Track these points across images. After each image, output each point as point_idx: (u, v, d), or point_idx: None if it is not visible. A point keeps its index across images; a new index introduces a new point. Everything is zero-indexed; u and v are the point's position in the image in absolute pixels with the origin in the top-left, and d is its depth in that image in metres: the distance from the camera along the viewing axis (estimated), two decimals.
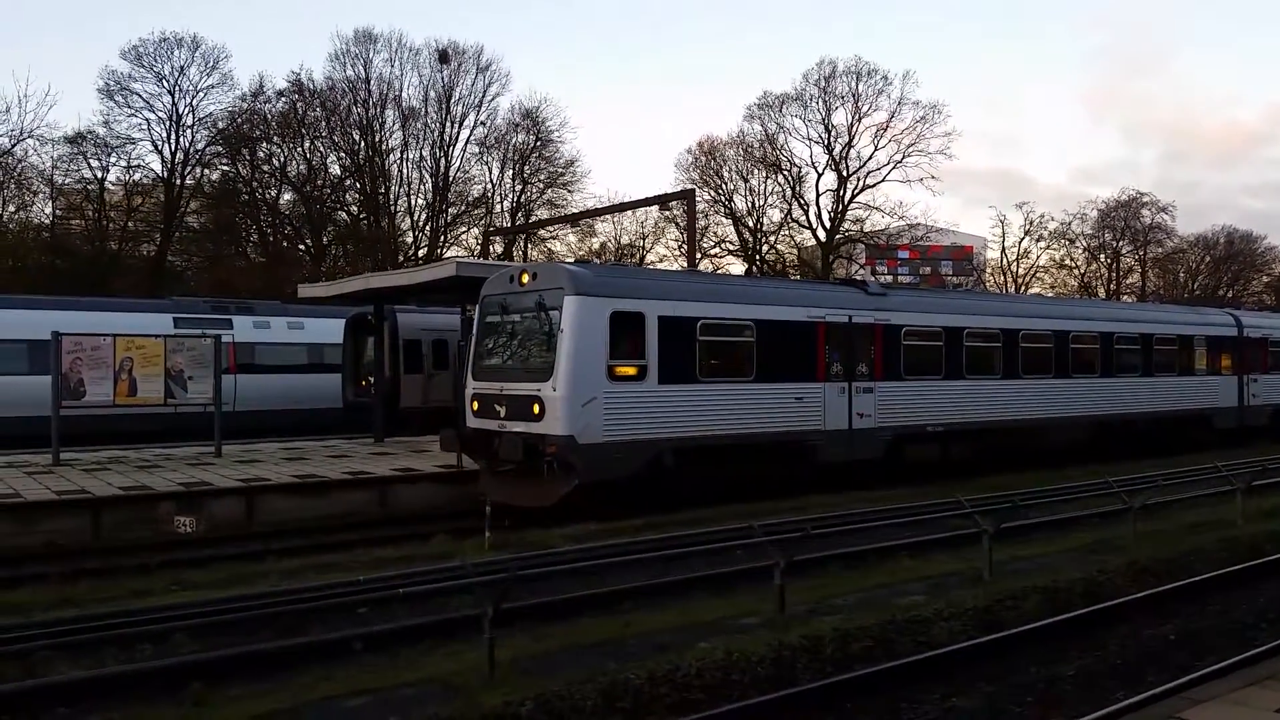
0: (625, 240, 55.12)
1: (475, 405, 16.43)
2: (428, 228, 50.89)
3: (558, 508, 14.64)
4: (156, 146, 45.09)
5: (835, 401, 18.02)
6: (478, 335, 16.90)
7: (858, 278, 25.65)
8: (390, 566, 11.43)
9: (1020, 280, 62.56)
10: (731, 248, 56.73)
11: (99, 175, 44.69)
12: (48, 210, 45.46)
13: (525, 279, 16.07)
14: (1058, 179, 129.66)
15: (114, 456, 19.26)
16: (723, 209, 56.17)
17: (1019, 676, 8.02)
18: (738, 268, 55.65)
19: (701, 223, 50.09)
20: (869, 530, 13.89)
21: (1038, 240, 65.16)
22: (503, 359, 16.47)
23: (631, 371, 15.37)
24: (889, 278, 58.15)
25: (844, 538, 13.19)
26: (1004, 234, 63.76)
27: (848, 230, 55.64)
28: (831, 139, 54.59)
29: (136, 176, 45.70)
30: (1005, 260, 63.19)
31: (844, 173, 54.84)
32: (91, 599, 10.19)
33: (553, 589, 10.26)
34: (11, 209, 43.51)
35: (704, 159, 56.27)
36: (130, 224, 45.84)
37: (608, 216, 50.82)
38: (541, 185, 52.94)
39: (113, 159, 44.55)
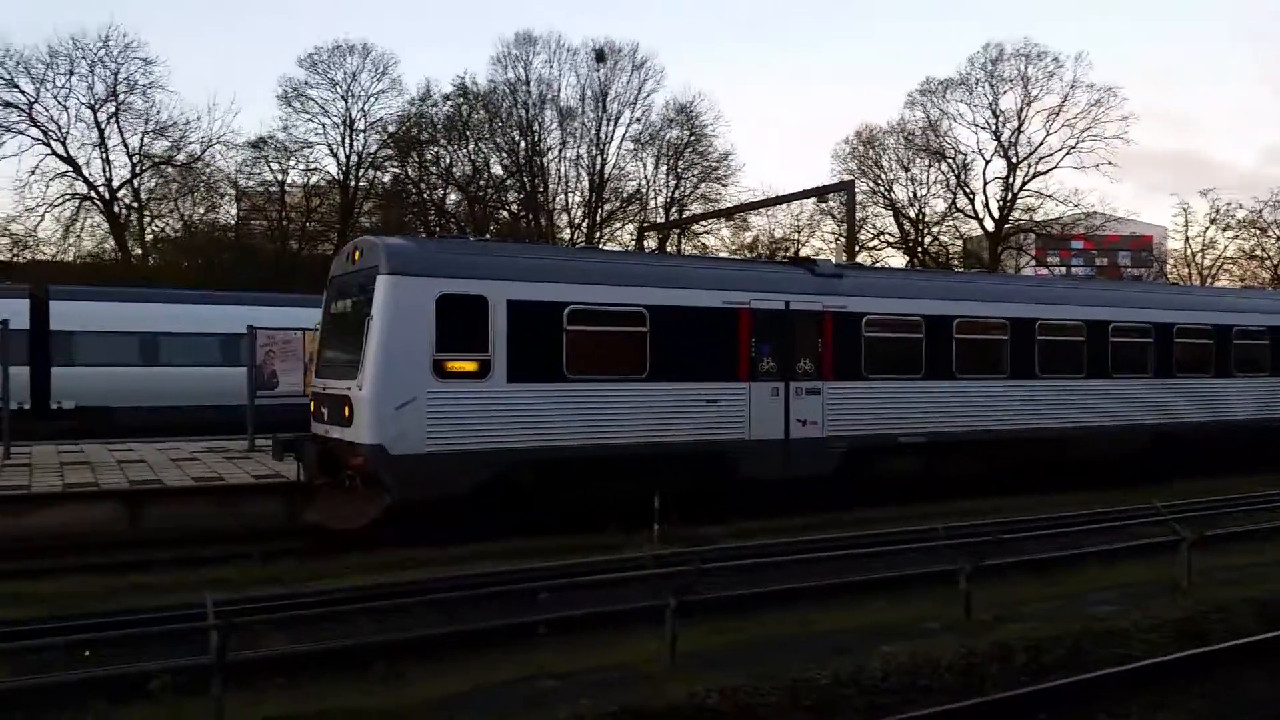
0: (779, 234, 54.58)
1: (312, 406, 14.46)
2: (584, 224, 51.79)
3: (368, 532, 12.55)
4: (332, 150, 47.62)
5: (765, 405, 14.98)
6: (321, 324, 14.86)
7: (806, 256, 20.70)
8: (554, 556, 11.71)
9: (1206, 273, 58.50)
10: (891, 240, 55.35)
11: (279, 178, 47.49)
12: (233, 211, 48.62)
13: (356, 257, 13.80)
14: (1244, 160, 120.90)
15: None
16: (882, 200, 54.85)
17: (1235, 693, 7.52)
18: (898, 260, 54.28)
19: (860, 214, 49.09)
20: (1057, 536, 13.20)
21: (1224, 229, 60.83)
22: (332, 352, 14.27)
23: (469, 368, 12.87)
24: (1061, 270, 55.47)
25: (1032, 543, 12.61)
26: (1187, 223, 59.76)
27: (1017, 220, 53.40)
28: (999, 124, 52.48)
29: (314, 179, 48.41)
30: (1189, 251, 59.20)
31: (1013, 159, 52.65)
32: (293, 578, 10.84)
33: (726, 585, 10.25)
34: (201, 211, 46.72)
35: (862, 148, 55.08)
36: (309, 224, 48.45)
37: (762, 210, 50.39)
38: (695, 180, 53.01)
39: (292, 162, 47.27)
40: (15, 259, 41.20)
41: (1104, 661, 7.93)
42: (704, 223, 51.38)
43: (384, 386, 12.33)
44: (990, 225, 53.34)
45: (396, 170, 50.02)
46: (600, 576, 10.02)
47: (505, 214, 52.19)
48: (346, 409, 12.72)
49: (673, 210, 51.60)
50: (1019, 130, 52.15)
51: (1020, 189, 52.77)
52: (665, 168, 52.47)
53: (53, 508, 12.96)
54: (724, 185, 52.81)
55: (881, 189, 54.70)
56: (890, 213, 55.07)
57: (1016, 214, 53.21)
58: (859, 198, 47.33)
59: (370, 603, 9.31)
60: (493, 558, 11.72)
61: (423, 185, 50.39)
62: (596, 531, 12.95)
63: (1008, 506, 15.23)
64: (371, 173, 49.23)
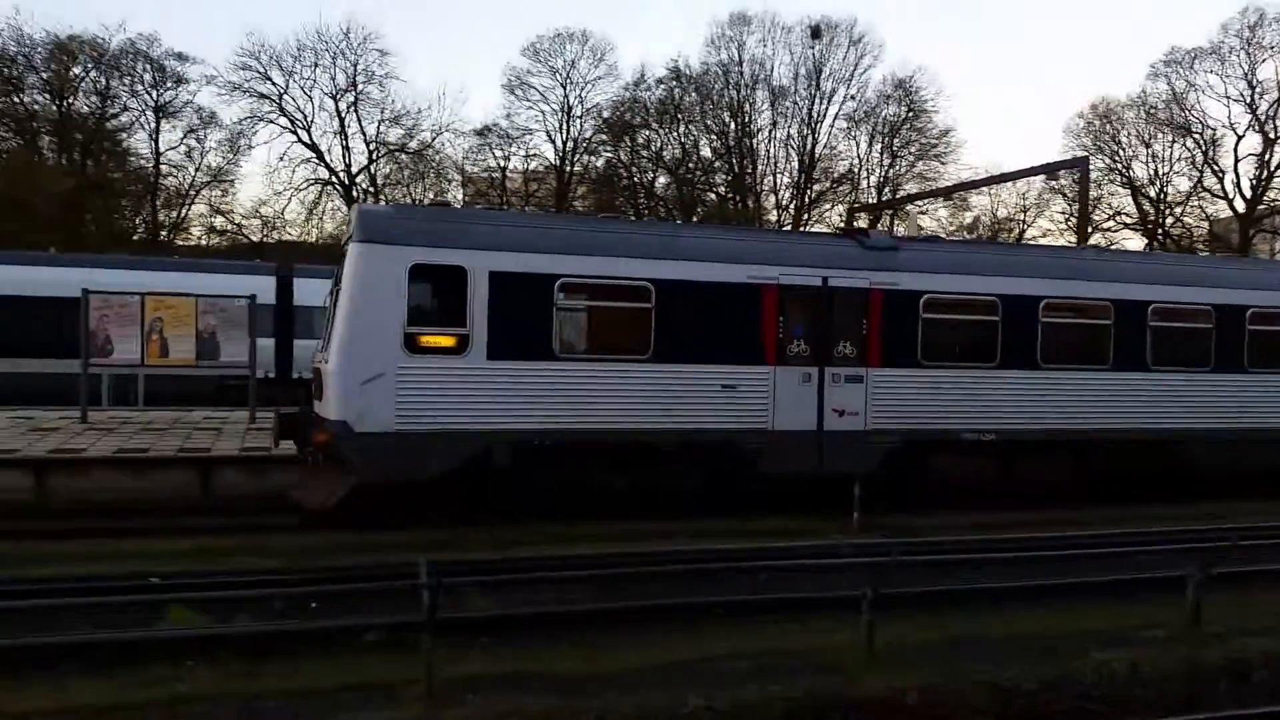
0: (1003, 214, 51.92)
1: (312, 383, 13.87)
2: (792, 206, 51.18)
3: (336, 513, 11.99)
4: (550, 136, 49.38)
5: (793, 393, 13.48)
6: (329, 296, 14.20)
7: (859, 228, 17.54)
8: (745, 539, 11.65)
9: None
10: (1128, 220, 51.48)
11: (501, 164, 49.79)
12: (459, 196, 51.16)
13: (347, 225, 13.23)
14: None
15: None
16: (1119, 178, 51.01)
17: None
18: (1135, 243, 50.45)
19: (1094, 193, 45.91)
20: None
21: None
22: (326, 326, 13.58)
23: (446, 343, 12.13)
24: None
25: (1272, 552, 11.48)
26: None
27: (1273, 200, 48.38)
28: (1256, 96, 47.61)
29: (533, 165, 50.34)
30: None
31: (1271, 134, 47.69)
32: (482, 545, 11.30)
33: (925, 578, 9.88)
34: (430, 195, 49.41)
35: (1098, 123, 51.34)
36: (527, 208, 50.39)
37: (984, 189, 48.08)
38: (912, 158, 51.27)
39: (513, 148, 49.43)
40: (265, 239, 45.20)
41: None
42: (919, 202, 49.64)
43: (349, 360, 11.78)
44: (1241, 206, 48.57)
45: (609, 154, 51.23)
46: (796, 561, 9.93)
47: (713, 196, 52.35)
48: (321, 384, 12.40)
49: (886, 190, 50.16)
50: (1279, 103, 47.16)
51: (1279, 167, 47.75)
52: (880, 146, 51.06)
53: (289, 469, 14.05)
54: (943, 163, 50.89)
55: (1119, 166, 50.93)
56: (1128, 191, 51.18)
57: (1273, 194, 48.20)
58: (1093, 175, 44.32)
59: (567, 571, 9.62)
60: (681, 536, 11.81)
61: (634, 169, 51.31)
62: (789, 515, 12.82)
63: (1236, 511, 13.95)
64: (586, 157, 50.66)
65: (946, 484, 14.10)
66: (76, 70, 43.30)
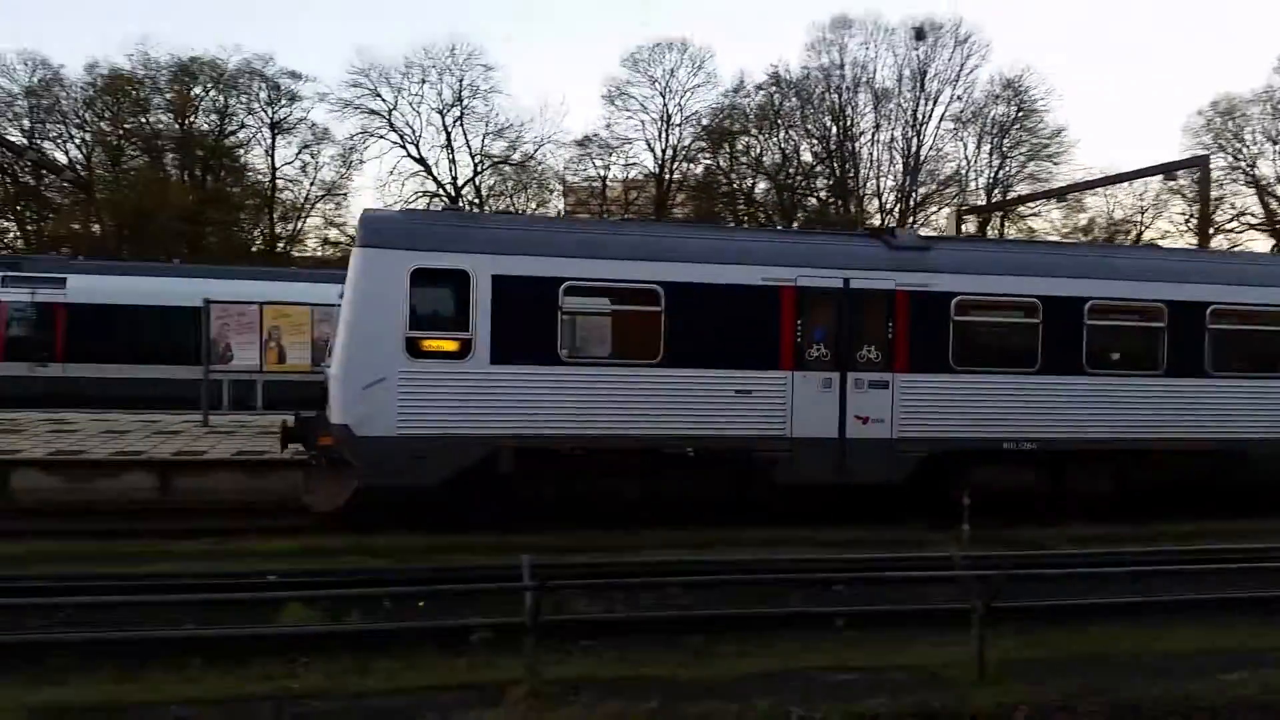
0: (1119, 215, 49.99)
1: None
2: (896, 209, 50.28)
3: (342, 516, 12.00)
4: (649, 144, 49.65)
5: (813, 399, 12.92)
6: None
7: (885, 227, 16.18)
8: (858, 549, 11.45)
9: None
10: (1253, 221, 49.02)
11: (601, 173, 50.28)
12: (560, 206, 51.87)
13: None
14: None
15: None
16: (1243, 177, 48.68)
17: None
18: (1261, 244, 47.98)
19: (1215, 193, 43.87)
20: None
21: None
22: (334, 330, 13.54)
23: (448, 347, 11.96)
24: None
25: None
26: None
27: None
28: None
29: (633, 173, 50.71)
30: None
31: None
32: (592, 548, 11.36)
33: (1037, 592, 9.52)
34: (533, 206, 50.26)
35: (1219, 120, 49.05)
36: (626, 217, 50.72)
37: (1099, 190, 46.35)
38: (1023, 159, 49.80)
39: (613, 157, 49.88)
40: None
41: None
42: (1030, 204, 48.22)
43: (351, 365, 11.76)
44: None
45: (708, 161, 51.19)
46: (902, 573, 9.71)
47: (813, 201, 51.82)
48: (327, 388, 12.41)
49: (995, 192, 48.86)
50: None
51: None
52: (988, 147, 49.79)
53: None
54: (1055, 164, 49.30)
55: (1243, 164, 48.56)
56: (1253, 191, 48.76)
57: None
58: (1215, 175, 42.40)
59: (668, 577, 9.59)
60: (790, 544, 11.69)
61: (733, 175, 51.17)
62: (898, 525, 12.57)
63: None
64: (685, 165, 50.74)
65: (984, 495, 13.15)
66: (197, 90, 45.53)
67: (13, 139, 40.86)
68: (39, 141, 43.40)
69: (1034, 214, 49.55)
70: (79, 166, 44.65)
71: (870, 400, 13.11)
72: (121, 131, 45.44)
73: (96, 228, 44.91)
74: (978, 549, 11.20)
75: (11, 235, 44.63)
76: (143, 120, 45.30)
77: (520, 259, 12.20)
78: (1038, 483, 13.84)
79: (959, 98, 49.06)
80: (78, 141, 44.96)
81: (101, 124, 45.11)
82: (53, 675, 6.96)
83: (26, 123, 43.32)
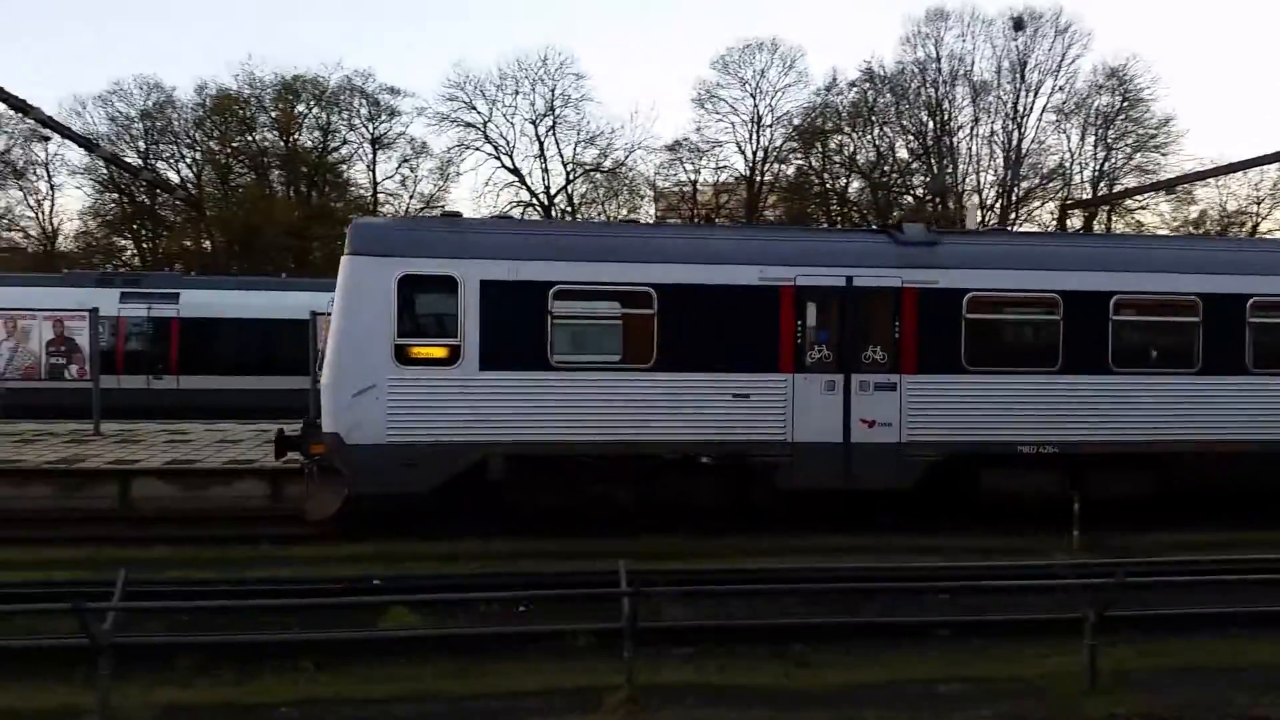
0: (1232, 207, 47.79)
1: None
2: (997, 205, 49.01)
3: (334, 525, 11.96)
4: (740, 147, 49.41)
5: (815, 402, 12.47)
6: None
7: (893, 223, 17.66)
8: (961, 556, 11.17)
9: None
10: None
11: (692, 177, 50.24)
12: (650, 211, 52.03)
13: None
14: None
15: None
16: None
17: None
18: None
19: None
20: None
21: None
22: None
23: (437, 354, 11.86)
24: None
25: None
26: None
27: None
28: None
29: (723, 176, 50.54)
30: None
31: None
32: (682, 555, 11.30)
33: (1150, 601, 9.09)
34: (624, 212, 50.54)
35: None
36: (717, 219, 50.60)
37: (1210, 181, 44.39)
38: (1129, 150, 47.97)
39: (703, 161, 49.78)
40: None
41: None
42: (1138, 197, 46.45)
43: (340, 373, 11.77)
44: None
45: (800, 161, 50.71)
46: (1011, 582, 9.44)
47: (910, 199, 50.90)
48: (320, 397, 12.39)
49: (1101, 185, 47.21)
50: None
51: None
52: (1093, 139, 48.14)
53: None
54: (1164, 155, 47.34)
55: None
56: None
57: None
58: None
59: (769, 584, 9.52)
60: (888, 552, 11.47)
61: (825, 175, 50.59)
62: (1006, 534, 12.18)
63: None
64: (776, 166, 50.38)
65: (1000, 500, 12.86)
66: (300, 108, 47.14)
67: (129, 160, 42.92)
68: (153, 162, 45.54)
69: (1141, 207, 47.76)
70: (190, 185, 46.66)
71: (876, 403, 12.67)
72: (229, 150, 47.40)
73: (207, 244, 46.97)
74: (1085, 556, 10.89)
75: (129, 253, 46.95)
76: (249, 138, 47.14)
77: (508, 263, 12.07)
78: (1061, 487, 12.92)
79: (1061, 88, 47.60)
80: (189, 161, 47.07)
81: (210, 143, 47.10)
82: (178, 676, 7.26)
83: (142, 144, 45.54)
